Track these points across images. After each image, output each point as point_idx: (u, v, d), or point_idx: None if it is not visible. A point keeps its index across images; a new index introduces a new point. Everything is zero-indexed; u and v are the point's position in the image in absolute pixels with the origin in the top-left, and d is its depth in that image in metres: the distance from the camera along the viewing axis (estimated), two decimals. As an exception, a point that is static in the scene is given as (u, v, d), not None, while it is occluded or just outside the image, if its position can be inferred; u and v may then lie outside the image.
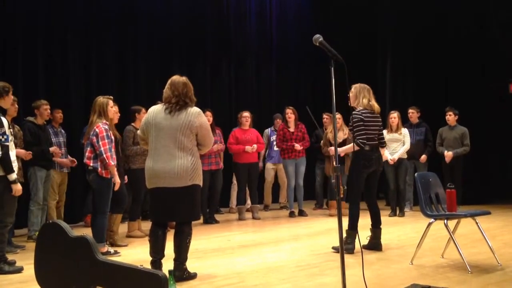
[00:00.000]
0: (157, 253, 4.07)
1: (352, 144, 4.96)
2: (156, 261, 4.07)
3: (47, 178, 6.32)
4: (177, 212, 4.04)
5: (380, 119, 5.23)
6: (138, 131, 4.26)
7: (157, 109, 4.08)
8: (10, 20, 7.38)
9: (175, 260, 4.05)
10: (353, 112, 4.99)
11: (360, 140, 4.90)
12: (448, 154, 7.83)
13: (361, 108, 5.04)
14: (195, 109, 4.05)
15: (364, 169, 5.00)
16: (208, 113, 7.21)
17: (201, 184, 4.13)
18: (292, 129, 7.99)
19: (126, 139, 6.23)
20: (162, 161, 3.95)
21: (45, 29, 7.72)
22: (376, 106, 5.10)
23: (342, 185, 8.21)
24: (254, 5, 10.33)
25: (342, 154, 6.35)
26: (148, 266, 3.23)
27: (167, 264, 4.20)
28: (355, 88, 5.12)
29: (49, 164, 6.31)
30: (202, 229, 6.84)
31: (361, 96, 5.06)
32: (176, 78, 4.12)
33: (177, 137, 3.95)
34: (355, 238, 4.89)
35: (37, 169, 6.12)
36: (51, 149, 6.22)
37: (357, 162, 5.02)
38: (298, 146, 7.85)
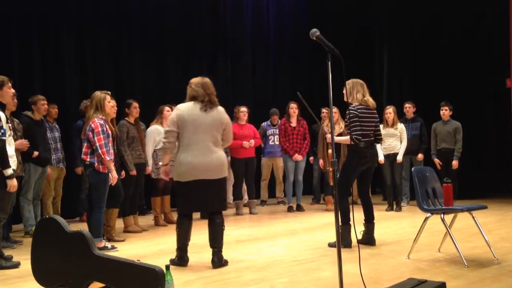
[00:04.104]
0: (184, 241, 4.34)
1: (348, 137, 4.95)
2: (183, 249, 4.34)
3: (42, 175, 6.30)
4: (214, 202, 4.35)
5: (377, 115, 5.18)
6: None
7: (189, 106, 4.31)
8: (5, 16, 7.34)
9: (213, 247, 4.31)
10: (349, 108, 4.97)
11: (355, 136, 4.88)
12: (454, 164, 7.91)
13: (356, 104, 4.98)
14: (221, 107, 4.46)
15: (358, 166, 4.99)
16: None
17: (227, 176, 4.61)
18: (294, 124, 8.01)
19: (120, 134, 6.20)
20: (201, 155, 4.24)
21: (40, 25, 7.69)
22: (371, 101, 5.05)
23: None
24: (251, 0, 10.30)
25: (339, 141, 6.22)
26: (145, 261, 3.22)
27: (162, 259, 4.20)
28: (348, 84, 5.07)
29: (46, 162, 6.28)
30: (199, 224, 6.82)
31: (355, 91, 5.01)
32: (203, 79, 4.44)
33: (212, 132, 4.30)
34: (350, 232, 4.90)
35: (32, 166, 6.09)
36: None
37: (352, 158, 5.01)
38: (299, 157, 7.94)
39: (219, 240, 4.32)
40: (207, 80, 4.45)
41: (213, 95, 4.39)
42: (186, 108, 4.31)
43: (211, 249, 4.32)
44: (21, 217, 6.25)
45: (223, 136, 4.41)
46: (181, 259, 4.34)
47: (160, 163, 6.81)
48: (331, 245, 5.01)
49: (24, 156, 5.90)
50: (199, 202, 4.33)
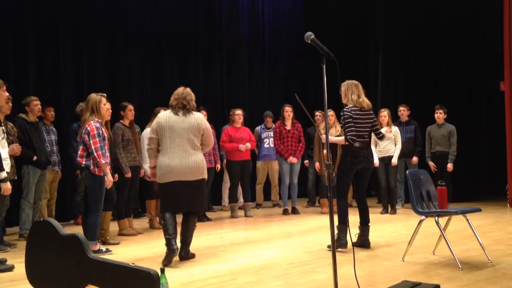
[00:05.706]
0: (170, 230, 4.53)
1: (343, 137, 4.98)
2: (171, 239, 4.49)
3: (42, 177, 6.27)
4: (191, 203, 4.64)
5: (373, 115, 5.19)
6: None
7: (167, 114, 4.69)
8: None
9: (182, 242, 4.64)
10: (343, 109, 5.00)
11: (350, 136, 4.90)
12: (449, 166, 7.98)
13: (351, 105, 5.01)
14: (200, 114, 4.78)
15: (351, 166, 5.00)
16: (204, 112, 7.28)
17: (206, 178, 4.82)
18: (288, 127, 8.03)
19: (115, 137, 6.19)
20: (178, 158, 4.55)
21: (35, 26, 7.65)
22: (366, 102, 5.07)
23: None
24: (246, 2, 10.33)
25: (332, 141, 6.22)
26: (140, 264, 3.23)
27: (157, 262, 4.19)
28: (343, 85, 5.10)
29: (44, 164, 6.25)
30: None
31: (350, 93, 5.05)
32: (184, 89, 4.78)
33: (189, 137, 4.60)
34: (347, 232, 4.90)
35: (31, 168, 6.07)
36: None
37: (345, 159, 5.03)
38: (294, 160, 7.97)
39: (189, 236, 4.68)
40: (184, 90, 4.74)
41: (185, 100, 4.65)
42: (164, 116, 4.68)
43: (186, 246, 4.66)
44: (16, 220, 6.21)
45: (202, 140, 4.71)
46: (169, 245, 4.44)
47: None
48: (330, 247, 5.01)
49: (23, 158, 5.87)
50: (179, 203, 4.61)
